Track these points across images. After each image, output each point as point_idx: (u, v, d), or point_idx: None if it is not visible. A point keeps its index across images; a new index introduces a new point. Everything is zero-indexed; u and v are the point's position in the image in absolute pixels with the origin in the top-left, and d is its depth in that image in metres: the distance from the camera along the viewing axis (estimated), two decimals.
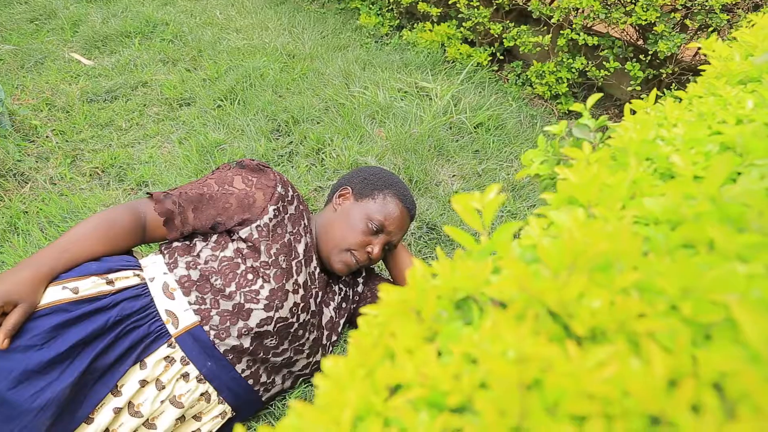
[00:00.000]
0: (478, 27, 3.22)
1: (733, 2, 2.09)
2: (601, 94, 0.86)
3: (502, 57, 3.35)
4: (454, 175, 2.45)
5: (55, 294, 1.11)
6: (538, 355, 0.31)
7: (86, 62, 3.24)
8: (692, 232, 0.43)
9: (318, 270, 1.45)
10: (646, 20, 2.24)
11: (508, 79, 3.26)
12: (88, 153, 2.51)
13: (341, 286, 1.58)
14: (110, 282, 1.19)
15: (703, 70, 0.91)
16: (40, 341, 1.04)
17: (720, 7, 2.07)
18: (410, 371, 0.36)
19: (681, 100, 0.89)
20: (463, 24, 3.26)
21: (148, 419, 1.15)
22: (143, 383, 1.14)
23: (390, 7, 3.83)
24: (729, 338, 0.36)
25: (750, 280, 0.37)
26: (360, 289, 1.64)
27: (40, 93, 2.87)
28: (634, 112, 0.80)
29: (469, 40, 3.46)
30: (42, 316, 1.07)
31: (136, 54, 3.32)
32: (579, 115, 2.95)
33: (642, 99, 0.84)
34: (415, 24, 3.69)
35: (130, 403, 1.13)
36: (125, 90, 2.97)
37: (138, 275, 1.24)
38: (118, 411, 1.11)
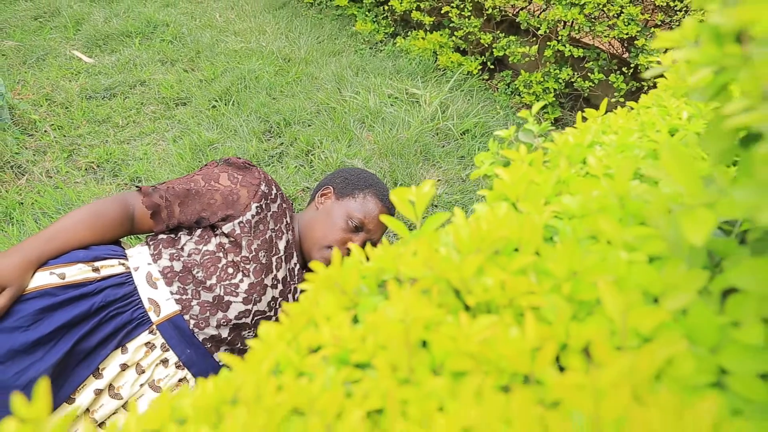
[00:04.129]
0: (469, 36, 3.29)
1: None
2: (544, 102, 0.92)
3: (492, 66, 3.41)
4: (438, 180, 2.50)
5: (43, 279, 1.15)
6: (424, 318, 0.37)
7: (87, 60, 3.30)
8: (593, 224, 0.49)
9: (298, 267, 1.50)
10: (627, 34, 2.31)
11: (497, 88, 3.32)
12: (85, 148, 2.57)
13: None
14: (96, 269, 1.23)
15: (654, 85, 0.97)
16: (26, 323, 1.09)
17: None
18: (327, 334, 0.42)
19: (632, 109, 0.95)
20: (455, 33, 3.33)
21: (127, 401, 1.19)
22: (124, 367, 1.18)
23: (385, 15, 3.89)
24: (604, 314, 0.42)
25: (629, 266, 0.43)
26: None
27: (41, 88, 2.93)
28: (585, 120, 0.86)
29: (461, 48, 3.53)
30: (29, 299, 1.12)
31: (136, 53, 3.39)
32: (565, 124, 3.01)
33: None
34: (409, 32, 3.76)
35: (110, 386, 1.18)
36: (124, 88, 3.04)
37: (123, 264, 1.29)
38: (98, 392, 1.15)
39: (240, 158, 1.50)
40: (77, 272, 1.20)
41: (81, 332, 1.14)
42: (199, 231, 1.38)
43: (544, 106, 3.04)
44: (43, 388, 0.38)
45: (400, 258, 0.48)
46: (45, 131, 2.62)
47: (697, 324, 0.37)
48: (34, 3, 3.90)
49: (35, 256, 1.17)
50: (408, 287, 0.45)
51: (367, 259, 0.53)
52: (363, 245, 1.53)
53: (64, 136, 2.63)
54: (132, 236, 1.95)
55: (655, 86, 2.49)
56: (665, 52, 2.29)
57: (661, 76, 1.03)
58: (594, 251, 0.46)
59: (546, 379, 0.36)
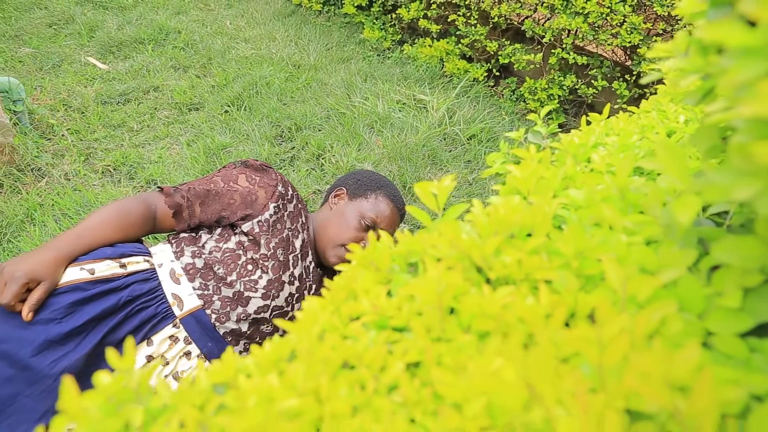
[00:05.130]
0: (475, 44, 3.36)
1: None
2: (551, 107, 0.98)
3: (497, 73, 3.48)
4: None
5: (74, 274, 1.21)
6: (454, 286, 0.44)
7: (101, 66, 3.38)
8: (596, 213, 0.56)
9: (313, 265, 1.55)
10: (630, 42, 2.38)
11: (502, 95, 3.39)
12: (101, 151, 2.64)
13: None
14: (123, 266, 1.29)
15: (655, 92, 1.04)
16: (59, 315, 1.15)
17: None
18: (366, 304, 0.48)
19: (633, 113, 1.02)
20: (462, 41, 3.40)
21: None
22: (149, 359, 1.24)
23: (393, 23, 3.97)
24: (607, 287, 0.48)
25: (629, 247, 0.50)
26: None
27: (57, 94, 3.01)
28: (589, 123, 0.93)
29: (467, 56, 3.60)
30: (62, 293, 1.18)
31: (149, 60, 3.47)
32: (569, 129, 3.08)
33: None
34: (416, 39, 3.83)
35: None
36: (138, 94, 3.12)
37: (148, 261, 1.35)
38: None
39: (257, 160, 1.56)
40: (105, 268, 1.25)
41: (110, 325, 1.20)
42: (219, 230, 1.44)
43: (549, 112, 3.11)
44: (128, 344, 0.45)
45: (427, 240, 0.55)
46: (62, 135, 2.70)
47: (687, 294, 0.44)
48: (49, 11, 3.98)
49: (66, 253, 1.23)
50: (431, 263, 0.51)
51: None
52: None
53: (81, 140, 2.71)
54: (149, 237, 2.01)
55: (656, 93, 2.55)
56: (667, 59, 2.36)
57: (661, 82, 1.10)
58: (598, 235, 0.52)
59: (557, 339, 0.42)
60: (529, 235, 0.56)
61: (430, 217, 0.61)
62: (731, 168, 0.38)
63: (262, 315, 1.37)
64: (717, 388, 0.34)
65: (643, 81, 0.51)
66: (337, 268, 0.57)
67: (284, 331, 1.45)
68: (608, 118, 0.96)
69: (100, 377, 0.43)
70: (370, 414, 0.37)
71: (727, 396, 0.36)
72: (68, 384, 0.40)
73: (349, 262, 1.37)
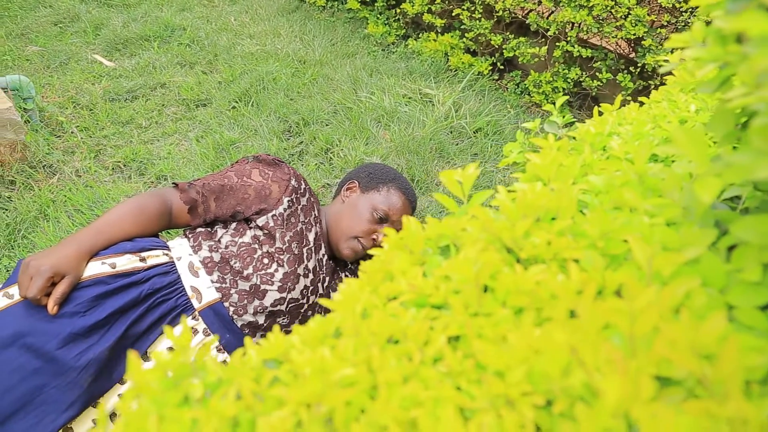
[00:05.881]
0: (479, 38, 3.38)
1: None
2: (567, 97, 1.01)
3: (502, 67, 3.50)
4: None
5: (96, 268, 1.24)
6: (491, 263, 0.46)
7: (108, 63, 3.40)
8: (617, 197, 0.58)
9: (326, 257, 1.58)
10: (634, 35, 2.40)
11: (507, 88, 3.42)
12: (111, 148, 2.67)
13: (347, 273, 1.71)
14: (143, 259, 1.32)
15: (665, 82, 1.07)
16: (83, 309, 1.18)
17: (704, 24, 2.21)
18: (403, 284, 0.51)
19: (642, 104, 1.04)
20: (466, 35, 3.42)
21: None
22: (171, 350, 1.27)
23: (396, 18, 3.99)
24: (632, 265, 0.51)
25: (651, 228, 0.52)
26: None
27: (65, 91, 3.03)
28: (601, 114, 0.95)
29: (471, 50, 3.62)
30: (85, 287, 1.20)
31: (155, 57, 3.49)
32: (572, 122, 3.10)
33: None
34: (421, 34, 3.85)
35: None
36: (145, 90, 3.14)
37: (167, 254, 1.37)
38: None
39: (269, 155, 1.58)
40: (126, 262, 1.28)
41: (132, 318, 1.22)
42: (234, 224, 1.46)
43: (552, 104, 3.12)
44: (184, 322, 0.48)
45: (457, 224, 0.57)
46: (72, 132, 2.72)
47: (709, 270, 0.46)
48: (54, 9, 4.01)
49: (88, 247, 1.25)
50: (465, 245, 0.54)
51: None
52: None
53: (90, 137, 2.73)
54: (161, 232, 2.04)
55: (663, 84, 2.58)
56: (672, 52, 2.39)
57: (670, 73, 1.12)
58: (620, 217, 0.55)
59: (585, 314, 0.45)
60: (553, 219, 0.59)
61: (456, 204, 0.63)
62: (752, 149, 0.40)
63: (278, 307, 1.39)
64: (741, 355, 0.37)
65: (662, 71, 0.54)
66: (370, 252, 0.60)
67: (301, 324, 1.48)
68: (604, 114, 0.99)
69: (160, 354, 0.46)
70: (419, 383, 0.39)
71: (751, 362, 0.38)
72: (133, 359, 0.43)
73: (363, 253, 1.39)
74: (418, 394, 0.38)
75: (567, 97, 0.94)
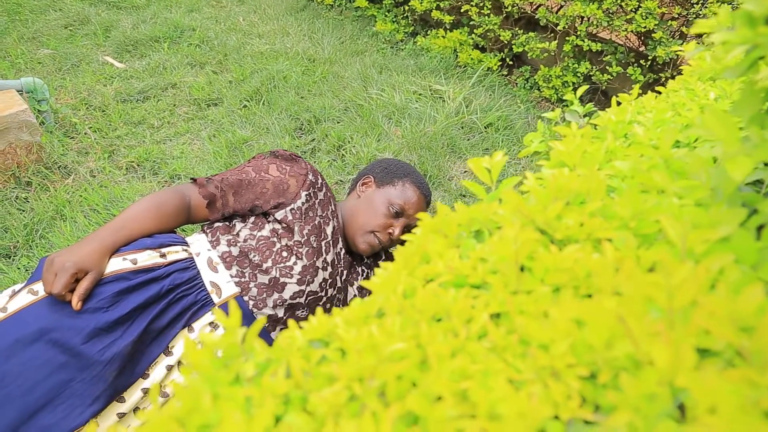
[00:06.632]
0: (488, 34, 3.39)
1: None
2: (587, 86, 1.03)
3: (511, 62, 3.51)
4: (465, 171, 2.61)
5: (117, 264, 1.26)
6: (529, 241, 0.48)
7: (118, 65, 3.43)
8: (645, 180, 0.60)
9: (343, 251, 1.59)
10: (645, 28, 2.40)
11: (516, 83, 3.42)
12: (124, 148, 2.69)
13: (363, 267, 1.72)
14: (163, 255, 1.33)
15: (680, 72, 1.08)
16: (106, 304, 1.19)
17: (713, 15, 2.22)
18: (441, 266, 0.53)
19: (660, 93, 1.05)
20: (475, 31, 3.43)
21: None
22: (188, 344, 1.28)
23: (405, 15, 4.00)
24: (665, 244, 0.52)
25: (681, 208, 0.54)
26: None
27: (78, 93, 3.06)
28: (619, 104, 0.96)
29: (480, 46, 3.63)
30: (107, 282, 1.22)
31: (165, 57, 3.52)
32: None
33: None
34: (429, 31, 3.86)
35: (179, 362, 1.28)
36: (156, 91, 3.17)
37: (186, 250, 1.38)
38: (170, 368, 1.25)
39: (286, 151, 1.59)
40: (147, 258, 1.29)
41: (153, 313, 1.24)
42: (252, 218, 1.47)
43: (562, 99, 3.14)
44: (233, 304, 0.49)
45: (488, 209, 0.59)
46: (85, 133, 2.75)
47: (741, 247, 0.47)
48: (64, 12, 4.03)
49: (109, 244, 1.27)
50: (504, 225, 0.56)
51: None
52: (403, 230, 1.63)
53: (104, 137, 2.76)
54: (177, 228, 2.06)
55: (674, 77, 2.58)
56: (682, 43, 2.39)
57: (682, 64, 1.13)
58: (650, 199, 0.56)
59: (625, 291, 0.46)
60: (581, 203, 0.60)
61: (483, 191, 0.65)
62: None
63: (297, 300, 1.40)
64: None
65: (687, 56, 0.55)
66: (404, 237, 0.61)
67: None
68: (622, 103, 1.00)
69: (209, 335, 0.47)
70: (467, 357, 0.41)
71: None
72: (188, 341, 0.44)
73: (380, 247, 1.39)
74: (466, 367, 0.39)
75: (587, 86, 0.95)
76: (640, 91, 2.72)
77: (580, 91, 0.88)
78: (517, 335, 0.42)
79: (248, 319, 1.36)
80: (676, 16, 2.42)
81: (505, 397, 0.36)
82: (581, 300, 0.46)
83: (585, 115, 0.92)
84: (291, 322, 0.52)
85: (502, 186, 0.64)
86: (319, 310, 0.51)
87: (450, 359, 0.40)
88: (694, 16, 2.29)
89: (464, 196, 2.48)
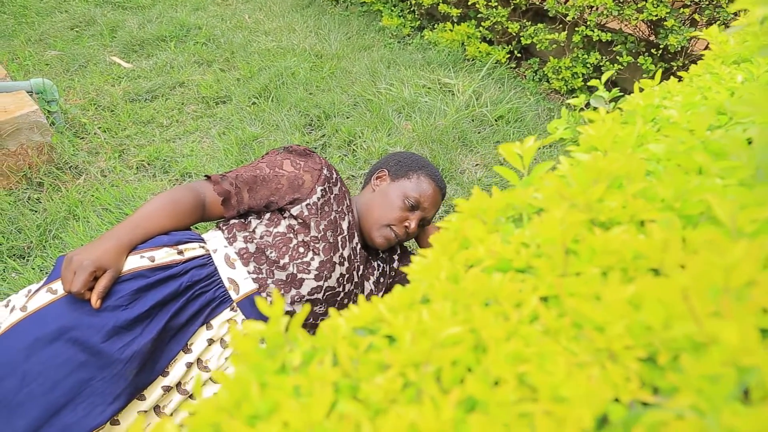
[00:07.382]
0: (496, 26, 3.37)
1: None
2: (612, 71, 1.01)
3: (519, 54, 3.49)
4: (477, 164, 2.60)
5: (135, 262, 1.26)
6: (576, 223, 0.47)
7: (125, 65, 3.43)
8: (683, 161, 0.58)
9: (359, 246, 1.58)
10: (656, 16, 2.38)
11: (525, 76, 3.41)
12: (134, 148, 2.69)
13: (379, 262, 1.71)
14: (180, 252, 1.33)
15: (702, 56, 1.06)
16: (125, 302, 1.19)
17: (727, 1, 2.21)
18: (482, 251, 0.52)
19: (681, 79, 1.04)
20: (482, 23, 3.41)
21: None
22: (210, 342, 1.27)
23: (411, 9, 3.99)
24: (710, 225, 0.51)
25: (724, 188, 0.53)
26: (396, 265, 1.76)
27: (86, 93, 3.06)
28: (642, 90, 0.95)
29: (488, 38, 3.61)
30: (125, 280, 1.22)
31: (172, 56, 3.52)
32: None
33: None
34: (436, 24, 3.85)
35: (198, 360, 1.27)
36: (164, 90, 3.17)
37: (203, 247, 1.38)
38: (189, 366, 1.24)
39: (300, 146, 1.58)
40: (164, 255, 1.29)
41: (172, 310, 1.23)
42: (267, 214, 1.46)
43: (572, 90, 3.12)
44: (275, 293, 0.48)
45: (524, 193, 0.58)
46: (95, 133, 2.75)
47: None
48: (70, 14, 4.04)
49: (127, 241, 1.27)
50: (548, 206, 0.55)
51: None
52: (419, 223, 1.61)
53: (113, 137, 2.76)
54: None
55: (684, 66, 2.56)
56: (693, 30, 2.36)
57: (698, 51, 1.12)
58: (692, 180, 0.55)
59: (671, 273, 0.45)
60: (620, 186, 0.59)
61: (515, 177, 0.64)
62: None
63: (315, 296, 1.40)
64: None
65: (729, 31, 0.54)
66: (440, 224, 0.60)
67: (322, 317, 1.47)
68: (632, 93, 0.98)
69: (253, 323, 0.47)
70: (520, 340, 0.40)
71: None
72: (234, 330, 0.44)
73: (396, 241, 1.37)
74: (522, 350, 0.39)
75: (612, 71, 0.94)
76: (650, 81, 2.71)
77: (605, 76, 0.87)
78: (569, 318, 0.42)
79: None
80: (688, 3, 2.40)
81: (568, 379, 0.35)
82: (634, 281, 0.45)
83: (611, 101, 0.91)
84: (332, 310, 0.51)
85: (536, 170, 0.63)
86: (361, 297, 0.50)
87: (505, 343, 0.39)
88: (707, 2, 2.27)
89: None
